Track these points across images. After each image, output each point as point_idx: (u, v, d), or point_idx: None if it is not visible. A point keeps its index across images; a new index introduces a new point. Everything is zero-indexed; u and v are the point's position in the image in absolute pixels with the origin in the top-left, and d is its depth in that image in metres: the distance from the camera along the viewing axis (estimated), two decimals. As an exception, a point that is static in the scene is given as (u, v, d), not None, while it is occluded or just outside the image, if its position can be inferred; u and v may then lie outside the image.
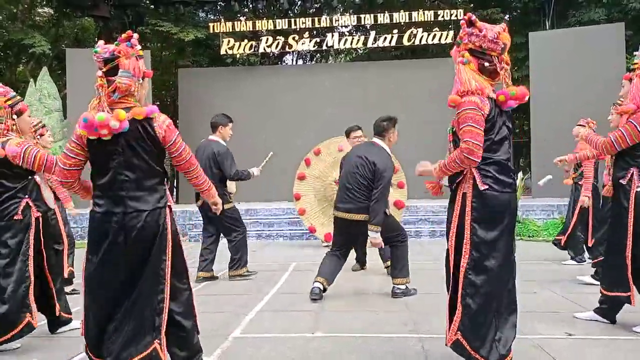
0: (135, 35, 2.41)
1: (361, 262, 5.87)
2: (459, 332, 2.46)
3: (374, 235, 4.15)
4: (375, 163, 4.18)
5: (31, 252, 3.20)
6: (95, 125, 2.25)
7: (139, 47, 2.42)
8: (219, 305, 4.28)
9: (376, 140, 4.33)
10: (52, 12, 15.85)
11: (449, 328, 2.54)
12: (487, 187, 2.45)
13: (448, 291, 2.60)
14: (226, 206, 5.33)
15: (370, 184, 4.20)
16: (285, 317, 3.90)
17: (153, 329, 2.35)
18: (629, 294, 3.35)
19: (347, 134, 5.53)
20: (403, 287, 4.39)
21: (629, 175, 3.29)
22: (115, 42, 2.38)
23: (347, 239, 4.52)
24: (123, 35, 2.40)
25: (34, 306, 3.20)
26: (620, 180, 3.33)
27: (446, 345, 2.59)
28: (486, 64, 2.50)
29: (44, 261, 3.34)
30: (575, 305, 4.06)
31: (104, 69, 2.36)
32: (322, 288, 4.39)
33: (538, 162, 10.60)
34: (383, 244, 4.33)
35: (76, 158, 2.42)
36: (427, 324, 3.57)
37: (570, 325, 3.50)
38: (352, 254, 6.23)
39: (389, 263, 4.83)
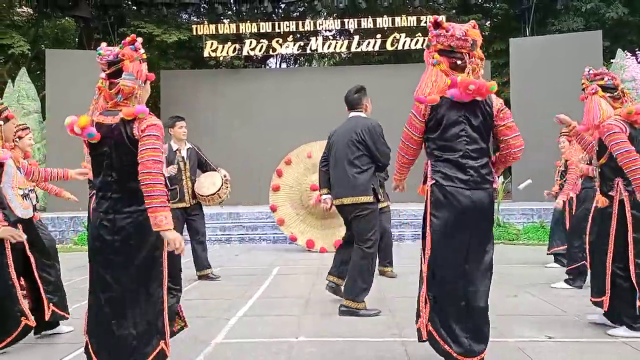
0: (139, 39, 2.42)
1: None
2: (429, 323, 2.56)
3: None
4: (359, 132, 3.93)
5: (10, 261, 3.17)
6: (69, 129, 2.32)
7: (142, 50, 2.43)
8: (201, 310, 4.24)
9: (354, 114, 4.13)
10: (32, 12, 15.58)
11: (420, 320, 2.64)
12: (434, 181, 2.58)
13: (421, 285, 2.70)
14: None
15: (364, 157, 3.92)
16: (269, 321, 3.88)
17: (157, 331, 2.37)
18: (602, 298, 3.40)
19: None
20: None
21: (616, 185, 3.36)
22: (120, 45, 2.40)
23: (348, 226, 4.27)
24: (127, 39, 2.42)
25: (26, 309, 3.23)
26: (610, 192, 3.39)
27: (419, 340, 2.67)
28: (458, 61, 2.57)
29: (31, 266, 3.34)
30: (556, 308, 4.12)
31: (108, 72, 2.38)
32: (334, 286, 4.28)
33: (518, 166, 10.76)
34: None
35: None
36: (410, 328, 3.58)
37: (550, 328, 3.54)
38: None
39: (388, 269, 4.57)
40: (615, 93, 3.41)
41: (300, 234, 7.89)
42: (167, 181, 2.37)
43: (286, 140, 10.52)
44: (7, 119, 3.25)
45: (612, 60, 11.37)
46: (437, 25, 2.56)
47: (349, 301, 3.93)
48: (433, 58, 2.58)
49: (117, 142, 2.32)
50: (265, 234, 9.35)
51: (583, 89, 3.47)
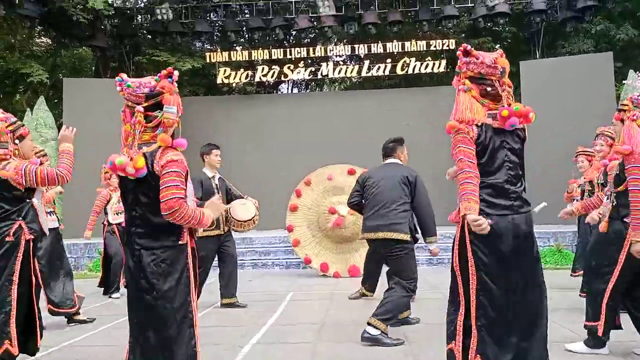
0: (176, 72, 2.40)
1: (370, 286, 5.72)
2: (478, 355, 2.47)
3: (434, 246, 4.27)
4: (407, 176, 4.17)
5: (16, 278, 3.11)
6: (116, 168, 2.28)
7: (176, 83, 2.42)
8: (215, 337, 4.21)
9: (392, 160, 4.33)
10: (50, 42, 16.03)
11: (454, 343, 2.55)
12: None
13: (458, 310, 2.58)
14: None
15: (406, 199, 4.13)
16: (283, 349, 3.85)
17: None
18: (597, 323, 3.40)
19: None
20: (377, 332, 3.85)
21: None
22: (155, 78, 2.37)
23: (377, 265, 4.70)
24: (163, 72, 2.38)
25: (14, 333, 3.07)
26: (625, 219, 3.36)
27: None
28: (488, 88, 2.58)
29: (32, 288, 3.27)
30: (575, 335, 4.03)
31: (145, 104, 2.33)
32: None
33: (531, 189, 10.62)
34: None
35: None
36: (425, 354, 3.53)
37: (569, 356, 3.46)
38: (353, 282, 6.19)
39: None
40: None
41: (314, 256, 7.85)
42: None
43: (298, 165, 10.58)
44: (22, 137, 3.28)
45: (624, 82, 11.33)
46: (466, 53, 2.59)
47: (377, 321, 3.85)
48: (464, 84, 2.59)
49: (139, 177, 2.29)
50: (278, 259, 9.32)
51: (622, 110, 3.46)
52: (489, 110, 2.56)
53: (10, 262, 3.10)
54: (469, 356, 2.50)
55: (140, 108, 2.32)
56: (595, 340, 3.47)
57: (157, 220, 2.29)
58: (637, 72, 11.02)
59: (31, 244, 3.22)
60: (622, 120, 3.44)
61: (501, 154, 2.55)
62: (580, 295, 4.94)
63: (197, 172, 5.34)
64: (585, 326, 3.55)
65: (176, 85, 2.42)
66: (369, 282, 5.62)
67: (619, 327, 3.56)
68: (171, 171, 2.24)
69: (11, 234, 3.10)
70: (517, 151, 2.59)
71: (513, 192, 2.55)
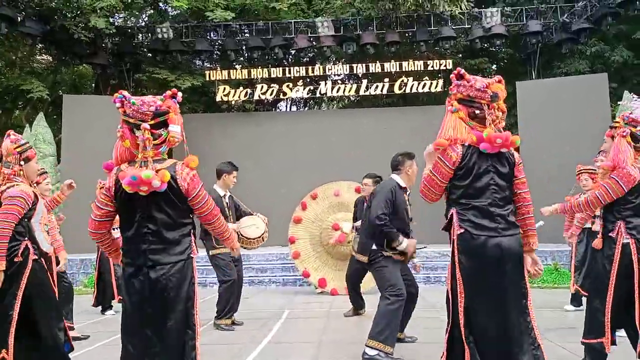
0: (180, 94, 2.46)
1: (358, 305, 5.83)
2: None
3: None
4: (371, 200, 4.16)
5: (20, 293, 3.11)
6: (142, 182, 2.25)
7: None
8: (211, 356, 4.18)
9: (392, 175, 4.20)
10: (51, 60, 16.15)
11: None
12: (463, 230, 2.61)
13: (447, 327, 2.67)
14: (211, 252, 5.28)
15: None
16: (279, 367, 3.81)
17: None
18: (601, 340, 3.37)
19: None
20: (374, 352, 3.81)
21: (617, 228, 3.37)
22: (160, 98, 2.41)
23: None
24: (168, 93, 2.43)
25: (11, 347, 3.07)
26: (610, 234, 3.41)
27: None
28: (477, 111, 2.66)
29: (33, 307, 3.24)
30: (572, 354, 4.01)
31: (152, 122, 2.36)
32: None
33: (529, 208, 10.66)
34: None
35: (105, 209, 2.45)
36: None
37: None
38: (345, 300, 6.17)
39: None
40: (638, 144, 3.44)
41: (314, 270, 7.81)
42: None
43: (296, 182, 10.60)
44: (28, 159, 3.31)
45: (619, 102, 11.46)
46: (460, 76, 2.69)
47: (373, 341, 3.80)
48: (452, 105, 2.68)
49: (157, 193, 2.28)
50: (275, 276, 9.27)
51: (614, 127, 3.51)
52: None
53: (17, 280, 3.11)
54: None
55: (146, 125, 2.34)
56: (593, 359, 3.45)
57: (170, 235, 2.31)
58: (632, 93, 11.15)
59: (43, 262, 3.25)
60: (613, 137, 3.49)
61: (487, 177, 2.63)
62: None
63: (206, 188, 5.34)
64: (582, 343, 3.53)
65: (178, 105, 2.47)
66: (353, 299, 5.82)
67: (614, 343, 3.55)
68: (202, 187, 2.45)
69: (19, 254, 3.13)
70: (504, 175, 2.65)
71: (498, 215, 2.61)
